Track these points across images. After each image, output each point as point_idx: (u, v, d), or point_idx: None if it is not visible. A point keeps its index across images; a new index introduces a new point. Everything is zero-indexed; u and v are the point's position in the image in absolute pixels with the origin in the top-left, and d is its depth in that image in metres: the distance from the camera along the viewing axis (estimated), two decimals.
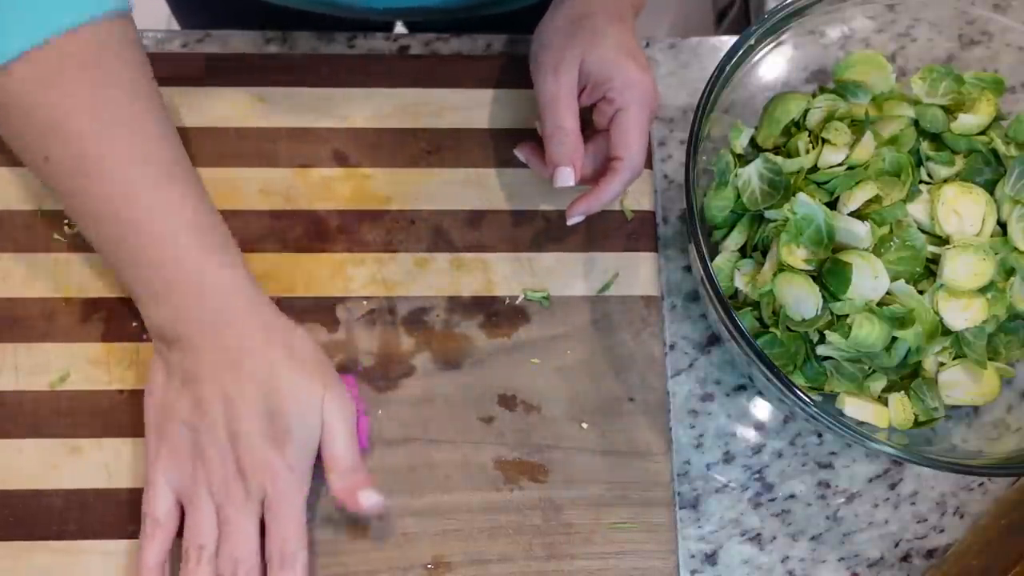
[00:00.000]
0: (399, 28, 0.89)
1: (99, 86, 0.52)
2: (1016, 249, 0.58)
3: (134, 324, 0.60)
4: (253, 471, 0.52)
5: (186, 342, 0.53)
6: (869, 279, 0.55)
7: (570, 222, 0.59)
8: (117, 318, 0.60)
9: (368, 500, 0.53)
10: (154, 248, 0.53)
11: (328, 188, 0.64)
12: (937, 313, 0.56)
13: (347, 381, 0.57)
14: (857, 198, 0.57)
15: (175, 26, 0.97)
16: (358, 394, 0.58)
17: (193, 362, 0.53)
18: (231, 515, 0.52)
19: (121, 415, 0.58)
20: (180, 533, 0.53)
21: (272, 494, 0.52)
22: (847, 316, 0.56)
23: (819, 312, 0.56)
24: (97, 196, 0.53)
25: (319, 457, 0.55)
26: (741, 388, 0.63)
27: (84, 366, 0.59)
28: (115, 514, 0.56)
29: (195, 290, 0.53)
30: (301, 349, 0.55)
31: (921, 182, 0.60)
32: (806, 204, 0.56)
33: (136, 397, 0.58)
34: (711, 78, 0.58)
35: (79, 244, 0.62)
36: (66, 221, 0.62)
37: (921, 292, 0.57)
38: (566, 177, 0.58)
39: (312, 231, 0.63)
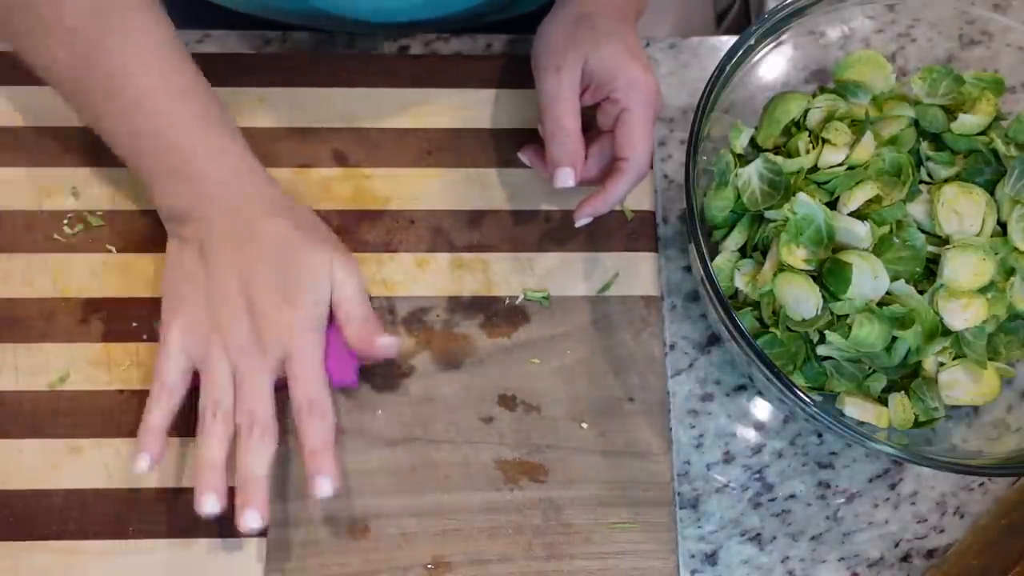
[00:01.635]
0: None
1: None
2: (1016, 249, 0.58)
3: (134, 324, 0.60)
4: (269, 330, 0.54)
5: (195, 215, 0.56)
6: (869, 279, 0.55)
7: (578, 224, 0.59)
8: (117, 318, 0.60)
9: (384, 342, 0.56)
10: (152, 118, 0.55)
11: (328, 188, 0.64)
12: (937, 313, 0.56)
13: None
14: (857, 198, 0.57)
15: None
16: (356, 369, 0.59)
17: (205, 232, 0.55)
18: (247, 373, 0.54)
19: (121, 415, 0.58)
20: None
21: (292, 350, 0.54)
22: (847, 316, 0.56)
23: (819, 312, 0.56)
24: (93, 66, 0.55)
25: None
26: (741, 388, 0.63)
27: (84, 366, 0.59)
28: (115, 514, 0.56)
29: (198, 155, 0.55)
30: (305, 218, 0.58)
31: (921, 182, 0.60)
32: (806, 204, 0.56)
33: (136, 397, 0.58)
34: (711, 78, 0.58)
35: (79, 244, 0.62)
36: (66, 221, 0.62)
37: (921, 292, 0.57)
38: (566, 177, 0.58)
39: None
